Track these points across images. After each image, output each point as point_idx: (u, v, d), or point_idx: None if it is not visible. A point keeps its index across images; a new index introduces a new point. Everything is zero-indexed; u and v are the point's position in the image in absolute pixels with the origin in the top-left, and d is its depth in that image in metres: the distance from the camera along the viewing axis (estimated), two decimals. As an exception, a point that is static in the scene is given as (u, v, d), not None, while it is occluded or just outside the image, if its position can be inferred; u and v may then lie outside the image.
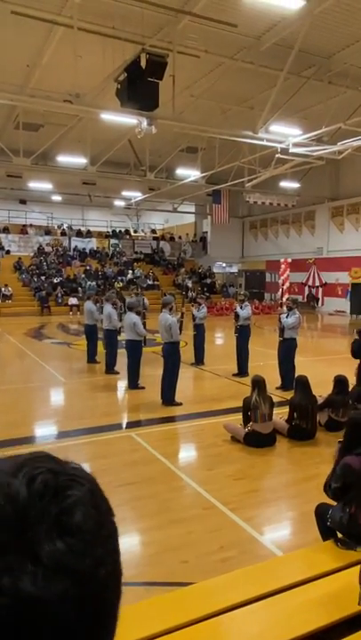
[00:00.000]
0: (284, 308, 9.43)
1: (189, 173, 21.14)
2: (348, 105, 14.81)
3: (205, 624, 2.37)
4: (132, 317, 8.92)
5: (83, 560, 0.44)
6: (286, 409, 6.62)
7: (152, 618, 2.37)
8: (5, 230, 30.19)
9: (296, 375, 6.73)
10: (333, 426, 6.51)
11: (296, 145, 14.54)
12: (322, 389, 6.83)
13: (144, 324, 9.33)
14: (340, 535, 3.16)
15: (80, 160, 19.44)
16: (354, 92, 14.93)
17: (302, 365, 9.06)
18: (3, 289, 25.75)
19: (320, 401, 6.61)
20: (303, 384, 6.44)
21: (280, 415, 6.66)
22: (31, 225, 31.38)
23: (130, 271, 30.55)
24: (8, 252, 29.36)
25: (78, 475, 0.49)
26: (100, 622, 0.46)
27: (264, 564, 3.22)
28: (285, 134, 14.30)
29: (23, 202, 29.83)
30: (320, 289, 26.47)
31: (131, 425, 7.23)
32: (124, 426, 7.23)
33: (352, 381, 7.10)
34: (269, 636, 2.30)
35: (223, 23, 11.21)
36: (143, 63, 10.31)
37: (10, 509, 0.43)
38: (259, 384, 6.21)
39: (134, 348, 9.02)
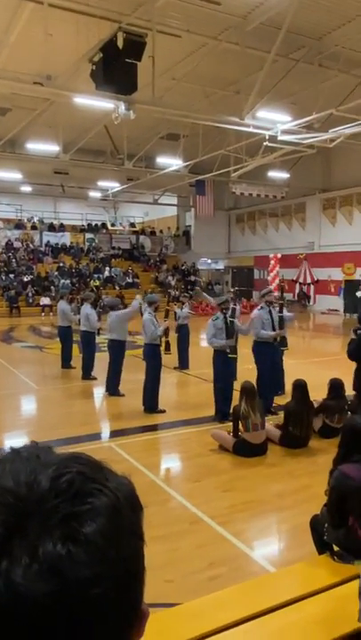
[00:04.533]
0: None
1: (171, 162, 21.13)
2: (340, 90, 15.01)
3: (194, 647, 2.37)
4: (116, 315, 8.96)
5: (78, 571, 0.44)
6: (279, 415, 6.66)
7: (136, 642, 2.36)
8: (-30, 224, 29.84)
9: (294, 379, 6.71)
10: (328, 432, 6.56)
11: (285, 132, 14.65)
12: (315, 393, 6.87)
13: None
14: (336, 548, 3.19)
15: (52, 147, 19.28)
16: (346, 77, 15.14)
17: (293, 368, 9.12)
18: (-32, 288, 25.45)
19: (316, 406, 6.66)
20: (301, 388, 6.43)
21: (271, 421, 6.69)
22: (-2, 218, 31.05)
23: (107, 268, 30.44)
24: (-27, 247, 29.03)
25: (110, 487, 0.50)
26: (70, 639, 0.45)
27: (256, 581, 3.23)
28: (274, 120, 14.39)
29: (-11, 193, 29.47)
30: (311, 286, 26.69)
31: (111, 435, 7.21)
32: (104, 436, 7.21)
33: (349, 385, 7.17)
34: (263, 658, 2.31)
35: (206, 1, 11.25)
36: (120, 43, 10.27)
37: (25, 495, 0.46)
38: (247, 391, 6.21)
39: (118, 349, 9.01)
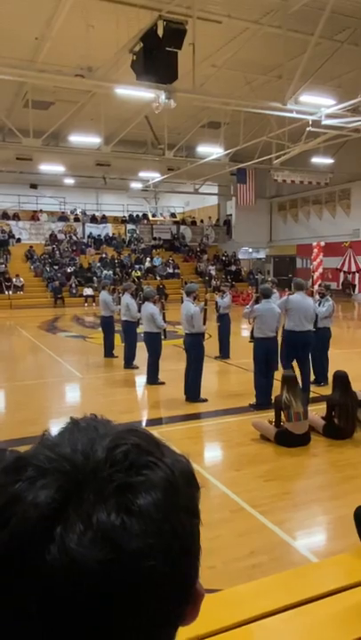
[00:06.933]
0: (316, 296, 9.31)
1: (212, 151, 20.97)
2: (387, 70, 14.50)
3: (233, 633, 2.38)
4: (149, 308, 8.95)
5: (131, 542, 0.45)
6: (320, 405, 6.57)
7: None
8: (15, 217, 30.52)
9: (335, 370, 6.63)
10: (373, 423, 6.44)
11: (329, 116, 14.29)
12: (359, 384, 6.75)
13: (163, 316, 9.33)
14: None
15: (93, 139, 19.48)
16: (393, 56, 14.59)
17: (337, 358, 8.95)
18: (14, 280, 26.13)
19: (360, 397, 6.53)
20: (343, 379, 6.33)
21: (315, 412, 6.61)
22: (42, 211, 31.65)
23: (148, 259, 30.61)
24: (19, 240, 29.74)
25: (166, 462, 0.51)
26: (122, 611, 0.45)
27: (297, 571, 3.21)
28: (317, 105, 14.05)
29: (34, 186, 30.10)
30: (357, 275, 26.11)
31: (152, 423, 7.28)
32: (145, 424, 7.28)
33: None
34: (304, 646, 2.30)
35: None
36: (160, 32, 10.23)
37: (81, 464, 0.48)
38: (288, 381, 6.17)
39: (153, 341, 9.05)
